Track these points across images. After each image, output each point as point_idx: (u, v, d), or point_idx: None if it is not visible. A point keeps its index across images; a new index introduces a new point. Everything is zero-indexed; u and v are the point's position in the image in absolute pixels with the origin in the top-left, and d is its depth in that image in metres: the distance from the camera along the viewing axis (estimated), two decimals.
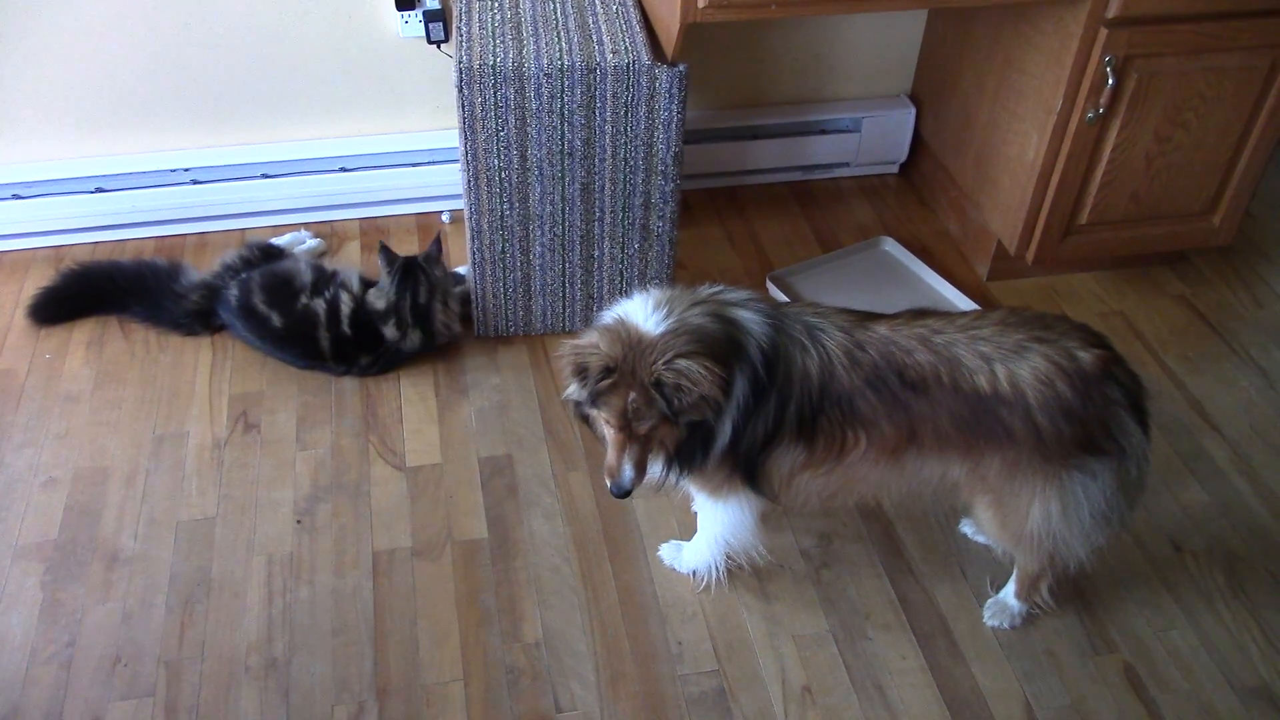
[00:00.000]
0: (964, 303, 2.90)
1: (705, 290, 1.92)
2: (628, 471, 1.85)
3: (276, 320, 2.65)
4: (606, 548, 2.33)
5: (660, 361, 1.75)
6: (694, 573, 2.25)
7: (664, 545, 2.31)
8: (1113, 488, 1.87)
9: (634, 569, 2.29)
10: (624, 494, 1.87)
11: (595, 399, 1.81)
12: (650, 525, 2.37)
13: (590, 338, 1.84)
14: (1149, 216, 2.80)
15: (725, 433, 1.90)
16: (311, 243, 3.04)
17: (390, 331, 2.65)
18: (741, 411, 1.88)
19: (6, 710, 2.03)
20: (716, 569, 2.22)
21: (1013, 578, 2.15)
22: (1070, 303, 2.97)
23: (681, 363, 1.75)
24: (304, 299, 2.65)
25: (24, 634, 2.15)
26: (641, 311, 1.83)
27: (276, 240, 2.96)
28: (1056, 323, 1.88)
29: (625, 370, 1.77)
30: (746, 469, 1.97)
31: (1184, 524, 2.39)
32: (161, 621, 2.17)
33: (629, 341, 1.79)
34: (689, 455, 1.91)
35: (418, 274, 2.64)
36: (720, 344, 1.82)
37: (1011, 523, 1.96)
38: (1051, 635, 2.18)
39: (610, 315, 1.87)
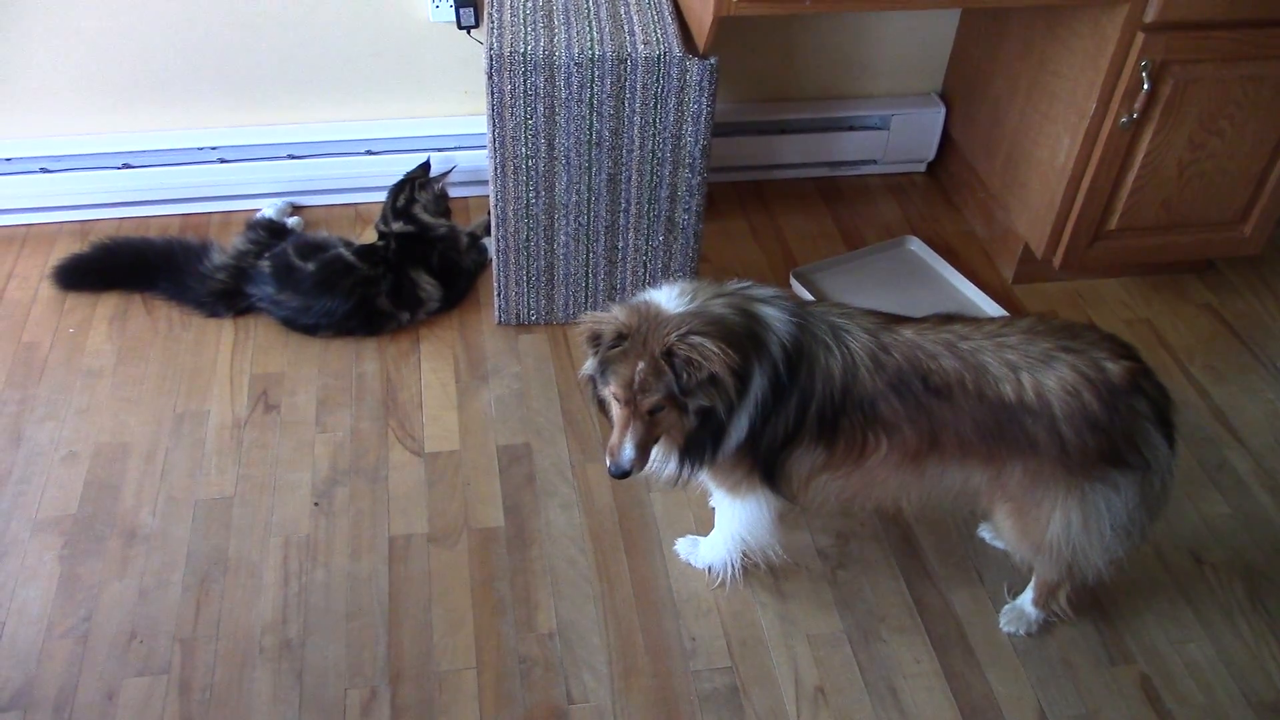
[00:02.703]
0: (988, 305, 2.88)
1: (732, 285, 1.92)
2: (628, 451, 1.83)
3: (311, 268, 2.71)
4: (623, 540, 2.33)
5: (675, 334, 1.75)
6: (710, 569, 2.25)
7: (680, 540, 2.31)
8: (1135, 501, 1.86)
9: (650, 563, 2.29)
10: (623, 474, 1.86)
11: (605, 368, 1.81)
12: (667, 519, 2.37)
13: (611, 310, 1.84)
14: (1179, 224, 2.77)
15: (741, 429, 1.88)
16: (293, 219, 3.10)
17: (381, 228, 2.87)
18: (759, 408, 1.86)
19: (23, 683, 2.04)
20: (732, 566, 2.22)
21: (1031, 585, 2.14)
22: (1096, 308, 2.95)
23: (695, 338, 1.74)
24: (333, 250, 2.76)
25: (41, 608, 2.16)
26: (666, 295, 1.84)
27: (264, 214, 3.02)
28: (1085, 332, 1.87)
29: (637, 339, 1.77)
30: (766, 467, 1.96)
31: (1205, 536, 2.37)
32: (178, 599, 2.18)
33: (647, 314, 1.80)
34: (699, 448, 1.89)
35: (401, 184, 2.90)
36: (739, 335, 1.81)
37: (1031, 532, 1.95)
38: (1068, 644, 2.17)
39: (638, 297, 1.88)
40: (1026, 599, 2.16)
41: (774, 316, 1.87)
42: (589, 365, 1.87)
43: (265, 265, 2.75)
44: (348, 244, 2.79)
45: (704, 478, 2.06)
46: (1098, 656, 2.15)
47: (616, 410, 1.85)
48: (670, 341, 1.74)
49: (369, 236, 2.92)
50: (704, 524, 2.31)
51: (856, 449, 1.91)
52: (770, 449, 1.92)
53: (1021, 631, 2.17)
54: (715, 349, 1.74)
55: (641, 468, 1.87)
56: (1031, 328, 1.86)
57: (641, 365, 1.77)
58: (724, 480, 2.05)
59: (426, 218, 2.86)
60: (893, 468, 1.91)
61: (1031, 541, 1.97)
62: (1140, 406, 1.81)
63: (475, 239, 2.95)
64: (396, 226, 2.83)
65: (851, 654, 2.14)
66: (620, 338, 1.79)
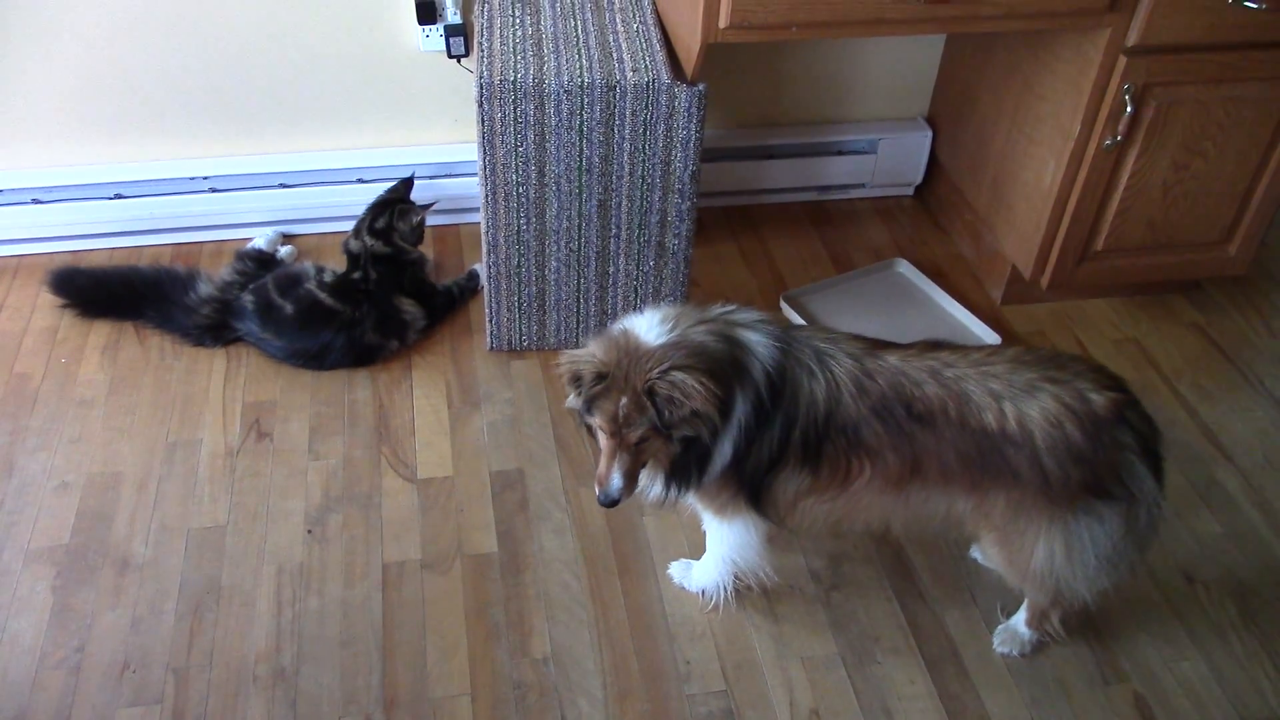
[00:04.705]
0: (977, 326, 2.90)
1: (716, 309, 1.92)
2: (615, 481, 1.84)
3: (289, 309, 2.71)
4: (616, 564, 2.33)
5: (655, 370, 1.75)
6: (703, 592, 2.25)
7: (674, 563, 2.31)
8: (1120, 532, 1.86)
9: (643, 586, 2.29)
10: (611, 503, 1.87)
11: (590, 404, 1.82)
12: (660, 543, 2.37)
13: (588, 346, 1.85)
14: (1164, 244, 2.80)
15: (725, 453, 1.89)
16: (285, 248, 3.11)
17: (354, 244, 2.84)
18: (743, 433, 1.87)
19: (15, 714, 2.03)
20: (725, 589, 2.22)
21: (1024, 606, 2.15)
22: (1084, 329, 2.97)
23: (676, 374, 1.74)
24: (306, 288, 2.75)
25: (34, 638, 2.15)
26: (646, 324, 1.84)
27: (255, 244, 3.03)
28: (1071, 362, 1.87)
29: (619, 376, 1.78)
30: (751, 491, 1.97)
31: (1196, 554, 2.38)
32: (171, 628, 2.18)
33: (626, 348, 1.80)
34: (684, 472, 1.90)
35: (383, 204, 2.89)
36: (721, 363, 1.81)
37: (1016, 560, 1.95)
38: (1061, 663, 2.17)
39: (616, 327, 1.88)
40: (1019, 620, 2.16)
41: (757, 341, 1.87)
42: (572, 400, 1.88)
43: (249, 301, 2.75)
44: (320, 273, 2.77)
45: (691, 500, 2.06)
46: (1091, 676, 2.16)
47: (603, 440, 1.86)
48: (652, 379, 1.75)
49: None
50: (697, 548, 2.32)
51: (840, 473, 1.91)
52: (755, 472, 1.93)
53: (1015, 652, 2.17)
54: (696, 385, 1.74)
55: (630, 494, 1.88)
56: (1018, 357, 1.86)
57: (624, 401, 1.78)
58: (710, 503, 2.06)
59: (402, 244, 2.85)
60: (876, 492, 1.91)
61: (1017, 569, 1.97)
62: (1124, 438, 1.81)
63: (451, 294, 2.95)
64: (371, 244, 2.80)
65: (846, 676, 2.14)
66: (600, 377, 1.79)
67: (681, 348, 1.79)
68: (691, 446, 1.85)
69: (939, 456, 1.84)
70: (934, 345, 1.91)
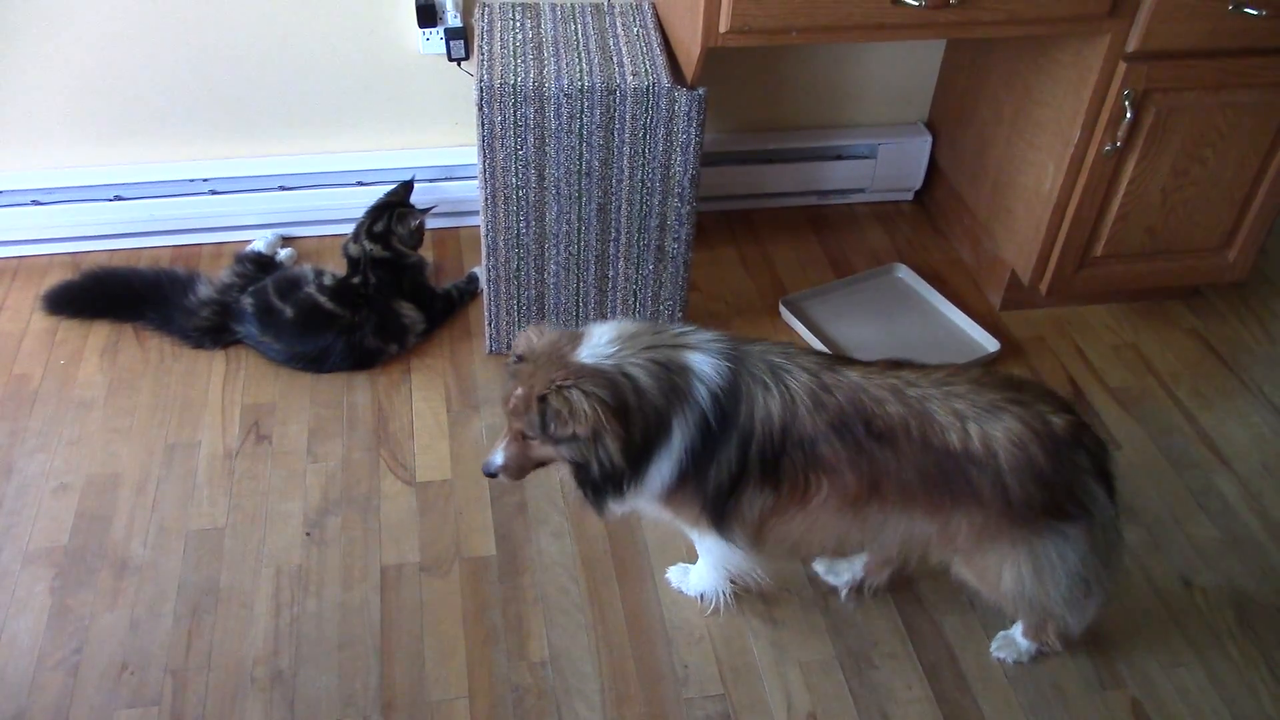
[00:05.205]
0: (976, 332, 2.90)
1: (674, 330, 1.91)
2: (496, 458, 1.91)
3: (289, 312, 2.71)
4: (614, 568, 2.33)
5: (559, 381, 1.76)
6: (701, 596, 2.25)
7: (672, 568, 2.31)
8: (1085, 550, 1.85)
9: (641, 590, 2.29)
10: (489, 474, 1.93)
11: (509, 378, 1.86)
12: (659, 547, 2.37)
13: (542, 328, 1.88)
14: (1164, 250, 2.80)
15: (665, 473, 1.87)
16: (285, 251, 3.11)
17: (353, 248, 2.83)
18: (689, 456, 1.86)
19: (13, 714, 2.03)
20: (722, 594, 2.23)
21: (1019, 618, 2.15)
22: (1083, 334, 2.97)
23: (574, 394, 1.75)
24: (305, 291, 2.75)
25: (32, 639, 2.15)
26: (599, 336, 1.84)
27: (254, 246, 3.04)
28: (1029, 385, 1.87)
29: (532, 368, 1.80)
30: (716, 513, 1.94)
31: (1194, 561, 2.38)
32: (169, 630, 2.18)
33: (558, 347, 1.81)
34: (589, 488, 1.89)
35: (382, 208, 2.86)
36: (644, 399, 1.80)
37: (986, 583, 1.96)
38: (1059, 669, 2.17)
39: (583, 327, 1.89)
40: (1017, 630, 2.17)
41: (704, 364, 1.84)
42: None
43: (248, 304, 2.74)
44: (320, 276, 2.77)
45: (657, 513, 2.06)
46: (1089, 682, 2.16)
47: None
48: (550, 388, 1.76)
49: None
50: (695, 552, 2.32)
51: (799, 491, 1.88)
52: (718, 494, 1.90)
53: (1012, 660, 2.17)
54: (589, 411, 1.74)
55: (512, 478, 1.95)
56: (979, 379, 1.85)
57: (520, 392, 1.80)
58: (683, 517, 2.04)
59: (401, 248, 2.85)
60: (834, 511, 1.88)
61: (989, 590, 1.97)
62: (1082, 460, 1.81)
63: (450, 297, 2.95)
64: (370, 247, 2.80)
65: (844, 680, 2.14)
66: (520, 359, 1.83)
67: (599, 376, 1.77)
68: (584, 469, 1.85)
69: (899, 476, 1.82)
70: (895, 364, 1.89)
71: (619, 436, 1.77)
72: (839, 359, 1.92)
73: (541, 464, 1.94)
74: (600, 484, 1.86)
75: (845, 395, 1.83)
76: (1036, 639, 2.15)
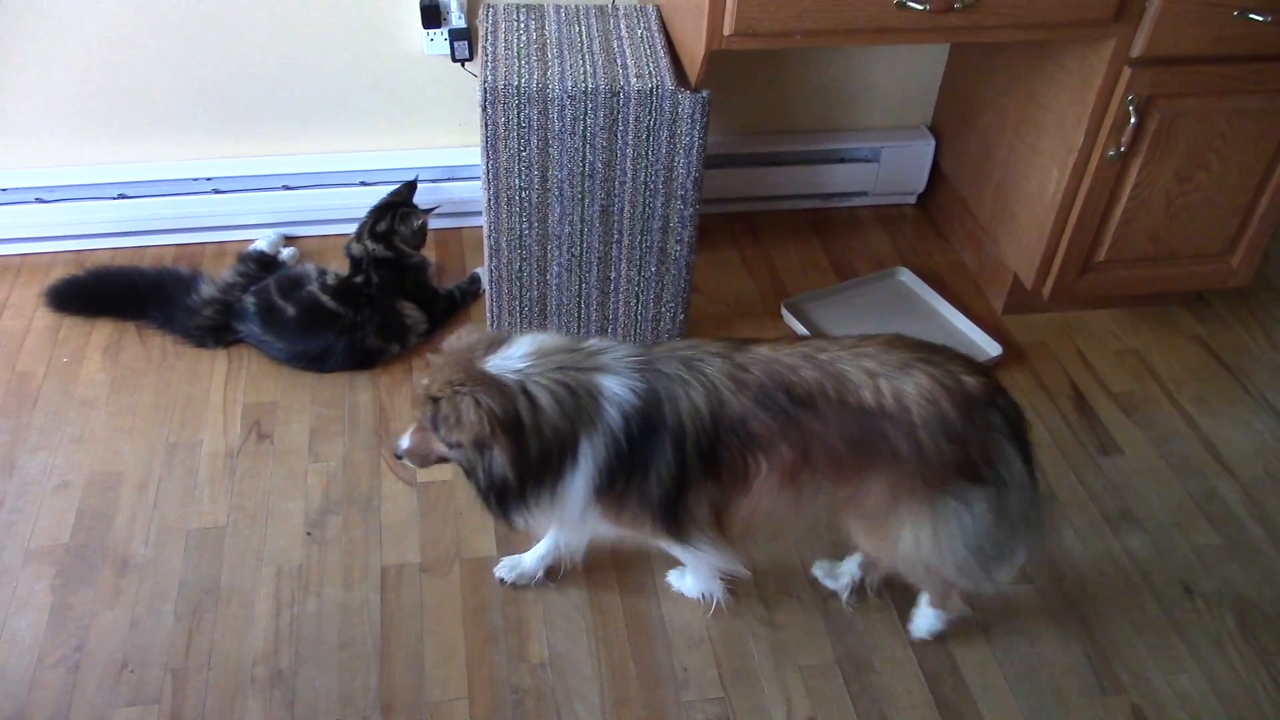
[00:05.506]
0: (978, 335, 2.90)
1: (590, 345, 1.90)
2: (403, 443, 1.93)
3: (291, 312, 2.72)
4: (615, 570, 2.33)
5: (454, 386, 1.78)
6: (701, 597, 2.25)
7: (672, 571, 2.31)
8: (989, 520, 1.85)
9: (642, 593, 2.29)
10: (396, 457, 1.97)
11: None
12: (659, 549, 2.36)
13: (474, 328, 1.93)
14: (1167, 256, 2.80)
15: (580, 490, 1.87)
16: (288, 250, 3.11)
17: (356, 247, 2.84)
18: (604, 474, 1.86)
19: (13, 713, 2.03)
20: (717, 597, 2.23)
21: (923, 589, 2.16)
22: (1085, 339, 2.97)
23: (466, 401, 1.76)
24: (308, 290, 2.76)
25: (33, 637, 2.15)
26: (524, 345, 1.85)
27: (256, 246, 3.04)
28: (942, 349, 1.89)
29: (440, 364, 1.83)
30: (667, 521, 1.94)
31: (1195, 566, 2.38)
32: (169, 629, 2.18)
33: (469, 354, 1.82)
34: (480, 494, 1.90)
35: (385, 208, 2.88)
36: (536, 418, 1.79)
37: (885, 546, 1.97)
38: (1059, 674, 2.17)
39: (517, 335, 1.89)
40: (924, 601, 2.17)
41: (612, 384, 1.84)
42: None
43: (250, 303, 2.75)
44: (323, 275, 2.78)
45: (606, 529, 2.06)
46: (1089, 687, 2.15)
47: None
48: (444, 391, 1.78)
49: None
50: None
51: (740, 474, 1.89)
52: (665, 500, 1.90)
53: (927, 633, 2.18)
54: (474, 420, 1.75)
55: (417, 465, 1.98)
56: (890, 342, 1.87)
57: (423, 383, 1.83)
58: (640, 532, 2.03)
59: (404, 248, 2.85)
60: (775, 490, 1.89)
61: (886, 553, 1.99)
62: (995, 420, 1.82)
63: (452, 298, 2.96)
64: (373, 247, 2.80)
65: (844, 684, 2.14)
66: (438, 353, 1.86)
67: (498, 389, 1.78)
68: (472, 475, 1.87)
69: (824, 440, 1.83)
70: (798, 339, 1.91)
71: (507, 450, 1.78)
72: (743, 340, 1.93)
73: (444, 459, 1.94)
74: (487, 493, 1.88)
75: (761, 369, 1.84)
76: (942, 606, 2.15)
